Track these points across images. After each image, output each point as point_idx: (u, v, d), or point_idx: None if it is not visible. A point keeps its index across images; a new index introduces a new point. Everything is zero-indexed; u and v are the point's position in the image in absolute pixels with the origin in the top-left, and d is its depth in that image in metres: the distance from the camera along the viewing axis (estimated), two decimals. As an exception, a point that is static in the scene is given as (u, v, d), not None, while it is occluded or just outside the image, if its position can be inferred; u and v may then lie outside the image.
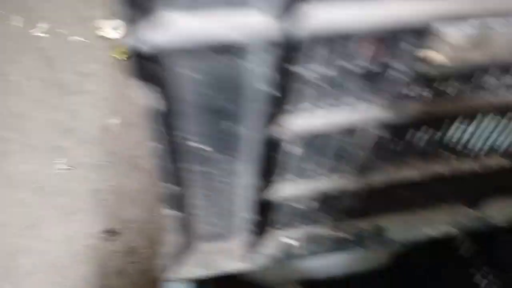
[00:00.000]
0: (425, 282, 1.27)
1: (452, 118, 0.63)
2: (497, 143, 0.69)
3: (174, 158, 0.53)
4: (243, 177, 0.60)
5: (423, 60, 0.51)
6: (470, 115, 0.63)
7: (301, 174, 0.67)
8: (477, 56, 0.53)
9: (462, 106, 0.60)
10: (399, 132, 0.63)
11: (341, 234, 0.80)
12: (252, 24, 0.39)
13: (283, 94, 0.51)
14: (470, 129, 0.66)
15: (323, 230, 0.80)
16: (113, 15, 1.69)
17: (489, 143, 0.69)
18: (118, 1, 0.33)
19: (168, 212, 0.65)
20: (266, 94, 0.47)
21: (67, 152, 1.54)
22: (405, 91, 0.55)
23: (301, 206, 0.75)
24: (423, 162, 0.69)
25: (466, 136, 0.67)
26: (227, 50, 0.42)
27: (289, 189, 0.68)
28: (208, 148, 0.53)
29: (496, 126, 0.66)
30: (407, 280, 1.26)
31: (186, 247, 0.75)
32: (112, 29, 1.75)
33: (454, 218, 0.83)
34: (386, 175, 0.69)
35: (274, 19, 0.38)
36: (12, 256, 1.33)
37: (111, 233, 1.39)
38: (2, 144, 1.52)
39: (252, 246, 0.76)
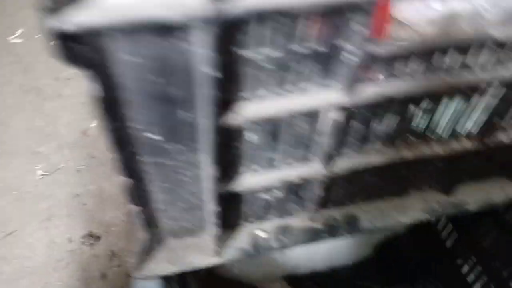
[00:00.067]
0: (411, 274, 1.26)
1: (412, 101, 0.62)
2: (462, 125, 0.68)
3: (126, 149, 0.52)
4: (202, 168, 0.59)
5: (376, 40, 0.50)
6: (431, 97, 0.62)
7: (265, 164, 0.66)
8: (435, 36, 0.53)
9: (422, 88, 0.59)
10: (360, 116, 0.62)
11: (313, 225, 0.79)
12: (185, 2, 0.38)
13: (233, 78, 0.50)
14: (434, 112, 0.65)
15: (294, 222, 0.79)
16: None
17: (453, 126, 0.68)
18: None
19: (132, 207, 0.63)
20: (212, 78, 0.46)
21: (47, 158, 1.53)
22: (361, 73, 0.54)
23: (269, 198, 0.74)
24: (388, 147, 0.68)
25: (430, 120, 0.66)
26: (162, 30, 0.41)
27: (254, 180, 0.67)
28: (159, 138, 0.52)
29: (459, 108, 0.65)
30: (393, 272, 1.25)
31: (155, 244, 0.73)
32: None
33: (428, 205, 0.82)
34: (351, 162, 0.69)
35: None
36: (-8, 264, 1.32)
37: (92, 237, 1.38)
38: (-20, 152, 1.51)
39: (223, 240, 0.75)
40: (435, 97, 0.63)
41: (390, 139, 0.67)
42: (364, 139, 0.67)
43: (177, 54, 0.44)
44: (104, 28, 0.39)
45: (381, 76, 0.56)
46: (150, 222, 0.68)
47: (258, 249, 0.76)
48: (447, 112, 0.65)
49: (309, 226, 0.79)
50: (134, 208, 0.60)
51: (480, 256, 1.15)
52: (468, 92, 0.64)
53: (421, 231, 1.30)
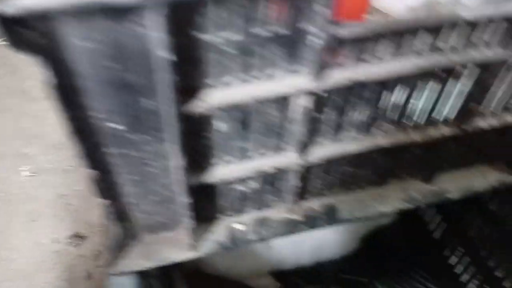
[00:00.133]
0: (398, 266, 1.25)
1: (385, 86, 0.61)
2: (438, 111, 0.67)
3: (88, 139, 0.51)
4: (171, 159, 0.58)
5: (340, 22, 0.49)
6: (404, 82, 0.61)
7: (239, 154, 0.65)
8: (404, 18, 0.52)
9: (393, 72, 0.58)
10: (332, 103, 0.61)
11: (291, 216, 0.77)
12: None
13: (194, 64, 0.49)
14: (408, 97, 0.64)
15: (273, 214, 0.78)
16: None
17: (429, 111, 0.67)
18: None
19: (102, 201, 0.62)
20: (170, 63, 0.44)
21: (33, 159, 1.52)
22: (327, 58, 0.53)
23: (245, 189, 0.73)
24: (363, 135, 0.67)
25: (405, 106, 0.65)
26: (113, 13, 0.39)
27: (228, 171, 0.66)
28: (122, 128, 0.51)
29: (434, 93, 0.64)
30: (380, 265, 1.24)
31: (129, 239, 0.72)
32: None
33: (408, 194, 0.81)
34: (326, 150, 0.67)
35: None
36: (-23, 266, 1.30)
37: (77, 237, 1.36)
38: (-35, 153, 1.49)
39: (199, 233, 0.74)
40: (408, 82, 0.62)
41: (365, 127, 0.66)
42: (338, 127, 0.65)
43: (132, 38, 0.43)
44: (51, 11, 0.38)
45: (349, 60, 0.55)
46: (122, 216, 0.67)
47: (235, 242, 0.75)
48: (422, 97, 0.64)
49: (288, 217, 0.78)
50: (105, 202, 0.59)
51: (467, 246, 1.15)
52: (442, 76, 0.63)
53: (408, 223, 1.30)
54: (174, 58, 0.43)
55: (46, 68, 0.41)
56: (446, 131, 0.69)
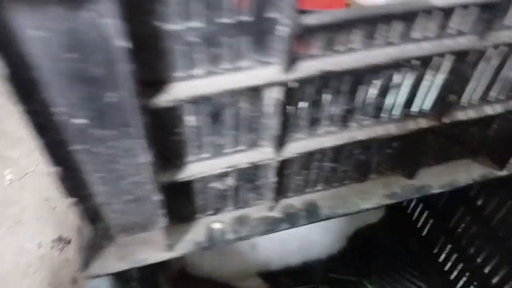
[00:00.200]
0: (387, 264, 1.24)
1: (359, 78, 0.59)
2: (415, 103, 0.66)
3: (50, 135, 0.49)
4: (140, 156, 0.56)
5: (307, 10, 0.48)
6: (379, 74, 0.60)
7: (214, 150, 0.63)
8: (376, 6, 0.50)
9: (366, 63, 0.56)
10: (306, 96, 0.60)
11: (271, 214, 0.76)
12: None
13: (158, 55, 0.47)
14: (384, 89, 0.63)
15: (252, 212, 0.76)
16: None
17: (407, 104, 0.66)
18: None
19: (72, 201, 0.60)
20: (129, 53, 0.43)
21: (16, 162, 1.49)
22: (297, 48, 0.52)
23: (223, 187, 0.71)
24: (340, 129, 0.66)
25: (381, 98, 0.64)
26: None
27: (203, 168, 0.64)
28: (84, 122, 0.49)
29: (410, 85, 0.63)
30: (368, 263, 1.23)
31: (104, 240, 0.70)
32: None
33: (390, 190, 0.80)
34: (303, 145, 0.66)
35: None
36: (-42, 272, 1.28)
37: (62, 241, 1.34)
38: None
39: (176, 233, 0.72)
40: (383, 73, 0.60)
41: (342, 120, 0.65)
42: (314, 121, 0.64)
43: (88, 27, 0.41)
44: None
45: (320, 51, 0.54)
46: (94, 216, 0.65)
47: (213, 241, 0.73)
48: (398, 89, 0.63)
49: (267, 215, 0.76)
50: (74, 202, 0.57)
51: (455, 243, 1.14)
52: (417, 67, 0.61)
53: (396, 221, 1.28)
54: (131, 47, 0.41)
55: (0, 60, 0.39)
56: (424, 124, 0.68)
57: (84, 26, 0.41)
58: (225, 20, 0.45)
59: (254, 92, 0.55)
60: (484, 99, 0.69)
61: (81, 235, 0.67)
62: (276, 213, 0.77)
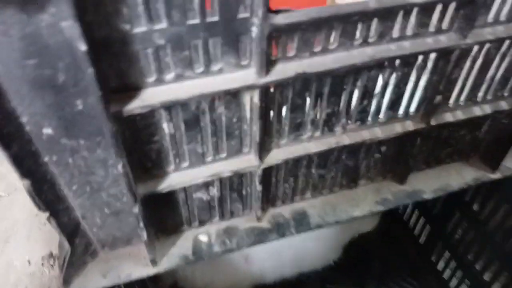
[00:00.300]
0: (384, 273, 1.21)
1: (340, 80, 0.57)
2: (401, 105, 0.64)
3: (15, 144, 0.47)
4: (116, 167, 0.54)
5: (280, 10, 0.46)
6: (361, 75, 0.58)
7: (196, 159, 0.61)
8: (353, 3, 0.49)
9: (345, 64, 0.54)
10: (287, 100, 0.58)
11: (259, 225, 0.73)
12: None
13: (127, 60, 0.45)
14: (368, 92, 0.61)
15: (240, 223, 0.74)
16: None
17: (392, 106, 0.64)
18: None
19: (46, 215, 0.58)
20: (93, 58, 0.41)
21: (5, 177, 1.47)
22: (273, 50, 0.50)
23: (208, 198, 0.69)
24: (325, 134, 0.64)
25: (366, 101, 0.62)
26: (21, 2, 0.36)
27: (185, 179, 0.62)
28: (50, 132, 0.47)
29: (394, 87, 0.61)
30: (365, 273, 1.20)
31: (85, 255, 0.68)
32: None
33: (381, 196, 0.77)
34: (287, 151, 0.64)
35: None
36: None
37: (52, 257, 1.31)
38: None
39: (161, 247, 0.70)
40: (364, 74, 0.58)
41: (326, 125, 0.63)
42: (298, 126, 0.62)
43: (47, 30, 0.39)
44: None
45: (297, 52, 0.52)
46: (73, 230, 0.62)
47: (200, 254, 0.71)
48: (382, 91, 0.61)
49: (255, 226, 0.74)
50: (43, 215, 0.55)
51: (453, 250, 1.11)
52: (400, 67, 0.59)
53: (392, 229, 1.26)
54: (93, 50, 0.39)
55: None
56: (412, 127, 0.66)
57: (44, 29, 0.39)
58: (192, 21, 0.43)
59: (231, 97, 0.54)
60: (472, 99, 0.67)
61: (62, 251, 0.65)
62: (264, 224, 0.74)
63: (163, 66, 0.48)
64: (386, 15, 0.51)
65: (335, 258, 1.22)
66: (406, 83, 0.61)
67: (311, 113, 0.61)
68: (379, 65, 0.56)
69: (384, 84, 0.59)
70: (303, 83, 0.56)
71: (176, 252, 0.71)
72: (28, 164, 0.50)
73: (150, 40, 0.44)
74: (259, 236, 0.74)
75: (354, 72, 0.56)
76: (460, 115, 0.67)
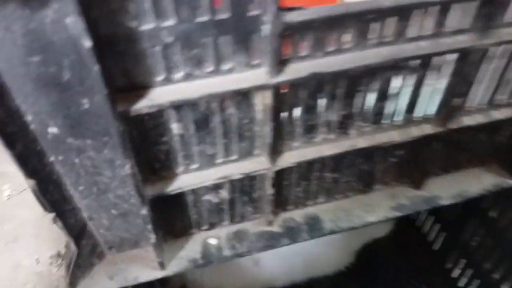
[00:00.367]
0: (396, 280, 1.18)
1: (354, 81, 0.55)
2: (418, 108, 0.62)
3: (20, 144, 0.46)
4: (123, 167, 0.52)
5: (292, 8, 0.44)
6: (376, 76, 0.56)
7: (206, 161, 0.59)
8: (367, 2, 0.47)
9: (359, 64, 0.52)
10: (299, 101, 0.56)
11: (270, 229, 0.72)
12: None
13: (135, 58, 0.44)
14: (384, 93, 0.59)
15: (250, 226, 0.72)
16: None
17: (409, 108, 0.62)
18: None
19: (52, 216, 0.57)
20: (98, 55, 0.39)
21: (14, 177, 1.47)
22: (285, 49, 0.48)
23: (218, 200, 0.67)
24: (339, 136, 0.62)
25: (381, 102, 0.60)
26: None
27: (193, 180, 0.61)
28: (56, 131, 0.45)
29: (411, 88, 0.59)
30: (377, 279, 1.17)
31: (92, 257, 0.67)
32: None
33: (397, 201, 0.75)
34: (300, 154, 0.62)
35: None
36: (-46, 291, 1.25)
37: (60, 257, 1.31)
38: None
39: (169, 250, 0.68)
40: (379, 75, 0.56)
41: (340, 127, 0.61)
42: (311, 128, 0.60)
43: (52, 26, 0.38)
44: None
45: (310, 52, 0.50)
46: (80, 232, 0.61)
47: (209, 258, 0.69)
48: (399, 93, 0.59)
49: (266, 230, 0.72)
50: (49, 215, 0.54)
51: (469, 257, 1.07)
52: (416, 68, 0.57)
53: (405, 234, 1.23)
54: (99, 47, 0.38)
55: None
56: (429, 130, 0.64)
57: (48, 25, 0.38)
58: (202, 18, 0.41)
59: (242, 97, 0.52)
60: (491, 103, 0.65)
61: (68, 252, 0.63)
62: (275, 228, 0.72)
63: (172, 65, 0.46)
64: (402, 13, 0.49)
65: (347, 264, 1.19)
66: (423, 85, 0.59)
67: (324, 115, 0.58)
68: (395, 66, 0.54)
69: (400, 86, 0.57)
70: (316, 83, 0.54)
71: (185, 255, 0.70)
72: (33, 164, 0.48)
73: (158, 37, 0.42)
74: (270, 241, 0.72)
75: (369, 72, 0.54)
76: (479, 118, 0.65)
